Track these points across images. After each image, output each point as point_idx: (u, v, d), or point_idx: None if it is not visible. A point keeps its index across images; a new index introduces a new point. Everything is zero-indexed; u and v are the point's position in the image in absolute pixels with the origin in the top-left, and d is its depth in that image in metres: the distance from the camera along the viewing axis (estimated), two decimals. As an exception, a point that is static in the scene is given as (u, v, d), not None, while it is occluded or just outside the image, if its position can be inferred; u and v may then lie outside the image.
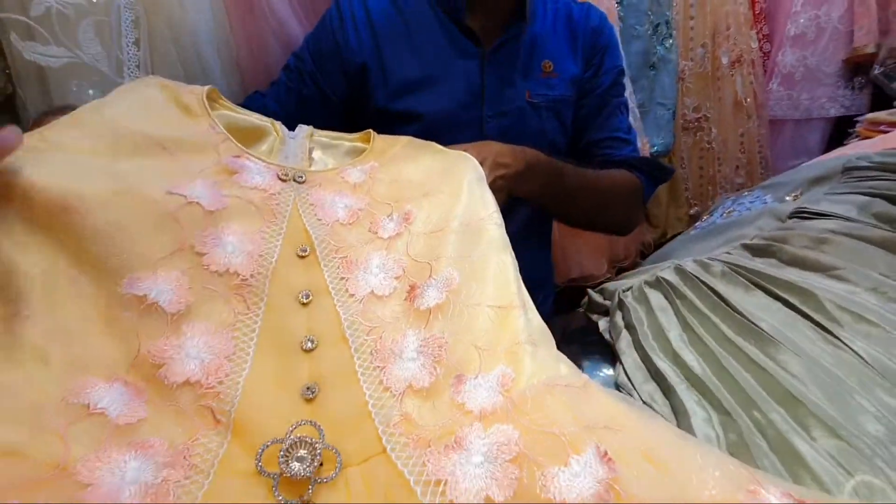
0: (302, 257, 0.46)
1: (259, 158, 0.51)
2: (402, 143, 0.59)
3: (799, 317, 0.52)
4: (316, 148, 0.58)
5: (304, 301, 0.43)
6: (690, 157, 1.76)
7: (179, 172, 0.44)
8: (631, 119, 1.45)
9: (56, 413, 0.31)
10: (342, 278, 0.45)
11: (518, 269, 0.46)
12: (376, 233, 0.49)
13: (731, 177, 1.82)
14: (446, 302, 0.43)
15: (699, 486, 0.30)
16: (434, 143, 0.59)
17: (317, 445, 0.34)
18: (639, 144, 1.48)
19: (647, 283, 0.69)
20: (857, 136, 1.16)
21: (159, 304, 0.37)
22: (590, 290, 0.79)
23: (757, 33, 1.90)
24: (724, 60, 1.69)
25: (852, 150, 0.90)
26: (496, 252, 0.47)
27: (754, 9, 1.84)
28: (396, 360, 0.40)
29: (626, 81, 1.45)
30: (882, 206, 0.63)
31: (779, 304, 0.55)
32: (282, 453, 0.33)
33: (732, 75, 1.72)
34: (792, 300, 0.54)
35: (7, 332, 0.33)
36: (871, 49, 1.78)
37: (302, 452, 0.33)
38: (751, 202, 0.92)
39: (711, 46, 1.69)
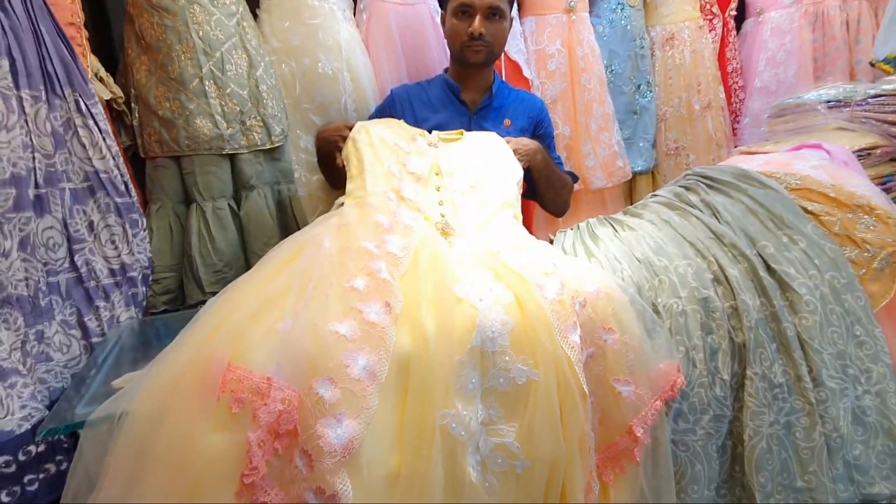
0: (437, 174, 1.22)
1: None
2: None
3: (615, 229, 1.23)
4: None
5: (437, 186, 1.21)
6: (674, 176, 2.40)
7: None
8: (616, 148, 2.16)
9: None
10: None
11: None
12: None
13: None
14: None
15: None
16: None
17: (451, 224, 1.12)
18: (620, 164, 2.17)
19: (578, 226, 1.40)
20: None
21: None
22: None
23: (732, 85, 2.54)
24: (696, 107, 2.35)
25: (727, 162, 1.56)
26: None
27: (726, 67, 2.49)
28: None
29: (615, 121, 2.16)
30: (682, 192, 1.31)
31: (612, 230, 1.25)
32: (441, 223, 1.11)
33: (704, 117, 2.37)
34: (619, 227, 1.25)
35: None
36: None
37: (448, 226, 1.11)
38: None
39: (686, 97, 2.35)
